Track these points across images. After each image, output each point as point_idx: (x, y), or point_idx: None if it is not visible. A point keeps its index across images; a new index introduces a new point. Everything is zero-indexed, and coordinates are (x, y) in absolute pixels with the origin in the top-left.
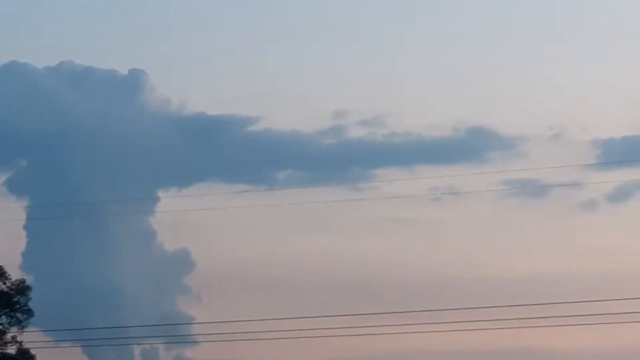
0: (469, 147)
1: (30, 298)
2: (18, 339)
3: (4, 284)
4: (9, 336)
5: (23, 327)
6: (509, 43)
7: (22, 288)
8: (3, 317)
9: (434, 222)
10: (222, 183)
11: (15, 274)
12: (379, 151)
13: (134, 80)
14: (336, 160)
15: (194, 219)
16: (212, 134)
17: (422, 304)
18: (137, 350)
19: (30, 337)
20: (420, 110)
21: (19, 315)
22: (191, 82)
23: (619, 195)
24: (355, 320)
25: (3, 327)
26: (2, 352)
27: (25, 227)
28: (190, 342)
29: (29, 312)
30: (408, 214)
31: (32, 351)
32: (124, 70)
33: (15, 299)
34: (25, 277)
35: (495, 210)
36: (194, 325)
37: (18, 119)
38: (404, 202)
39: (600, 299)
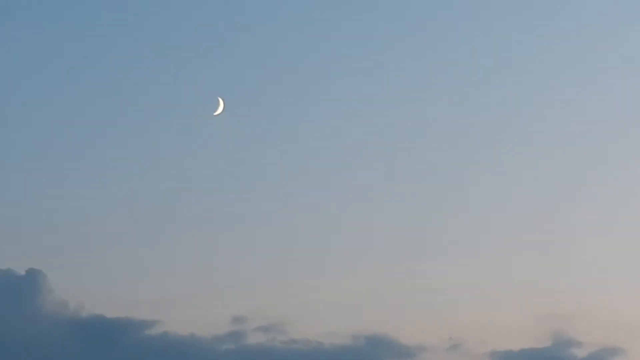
0: (368, 355)
1: None
2: None
3: None
4: None
5: None
6: (410, 252)
7: None
8: None
9: None
10: None
11: None
12: (277, 357)
13: (31, 281)
14: None
15: None
16: (109, 337)
17: None
18: None
19: None
20: (319, 317)
21: None
22: (89, 284)
23: None
24: None
25: None
26: None
27: None
28: None
29: None
30: None
31: None
32: (21, 271)
33: None
34: None
35: None
36: None
37: None
38: None
39: None
